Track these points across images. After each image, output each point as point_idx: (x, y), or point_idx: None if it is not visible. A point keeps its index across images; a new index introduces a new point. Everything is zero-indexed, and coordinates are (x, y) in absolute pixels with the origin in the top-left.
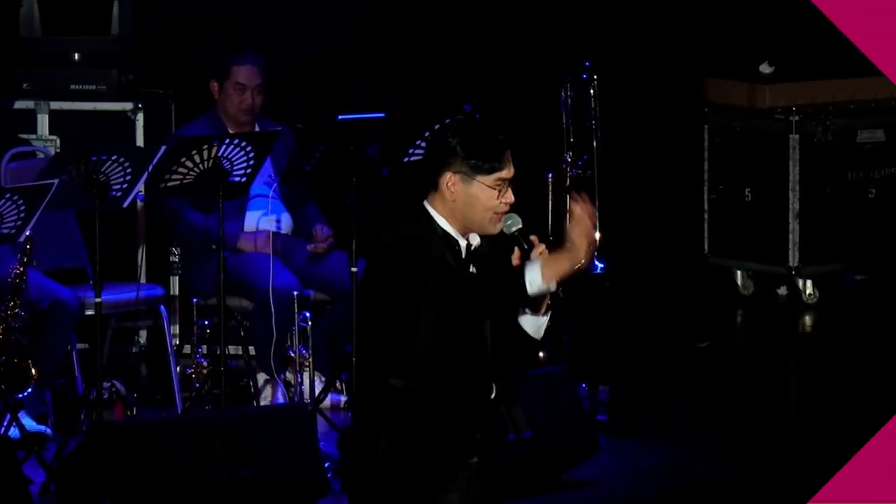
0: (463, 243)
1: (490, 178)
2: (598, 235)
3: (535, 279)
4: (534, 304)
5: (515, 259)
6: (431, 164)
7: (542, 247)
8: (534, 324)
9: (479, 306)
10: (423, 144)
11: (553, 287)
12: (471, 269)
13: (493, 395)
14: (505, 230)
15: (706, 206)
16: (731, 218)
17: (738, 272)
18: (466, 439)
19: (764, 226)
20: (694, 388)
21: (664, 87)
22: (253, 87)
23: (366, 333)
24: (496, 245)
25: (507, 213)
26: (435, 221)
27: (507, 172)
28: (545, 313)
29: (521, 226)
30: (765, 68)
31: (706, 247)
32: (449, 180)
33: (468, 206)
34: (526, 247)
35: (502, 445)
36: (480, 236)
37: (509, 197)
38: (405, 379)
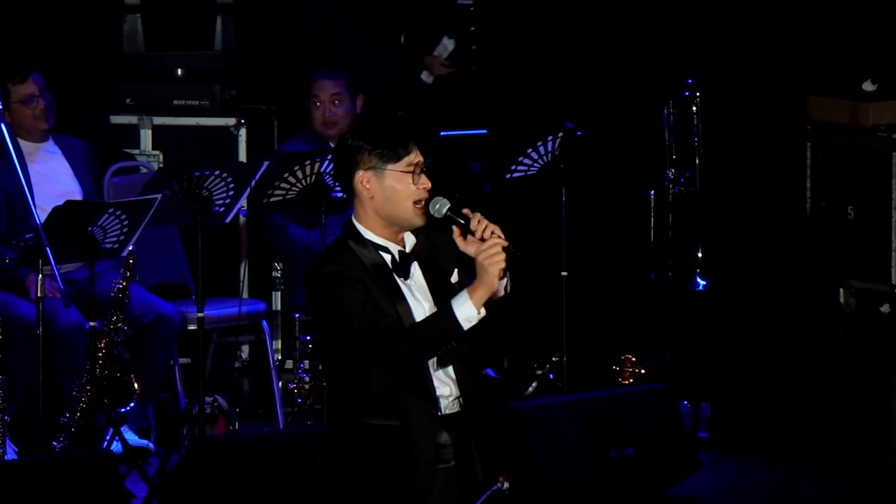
0: (395, 249)
1: (401, 164)
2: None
3: (470, 314)
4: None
5: (457, 236)
6: (343, 172)
7: (478, 216)
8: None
9: (414, 357)
10: (526, 161)
11: (483, 313)
12: (411, 275)
13: (440, 409)
14: (436, 214)
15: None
16: (833, 235)
17: (841, 290)
18: (437, 447)
19: (866, 243)
20: (796, 405)
21: (767, 105)
22: (327, 99)
23: (328, 375)
24: (437, 241)
25: (427, 199)
26: (362, 236)
27: (416, 156)
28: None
29: (449, 205)
30: (868, 86)
31: (808, 264)
32: (362, 179)
33: (388, 199)
34: (462, 222)
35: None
36: (417, 236)
37: (425, 182)
38: (377, 417)
